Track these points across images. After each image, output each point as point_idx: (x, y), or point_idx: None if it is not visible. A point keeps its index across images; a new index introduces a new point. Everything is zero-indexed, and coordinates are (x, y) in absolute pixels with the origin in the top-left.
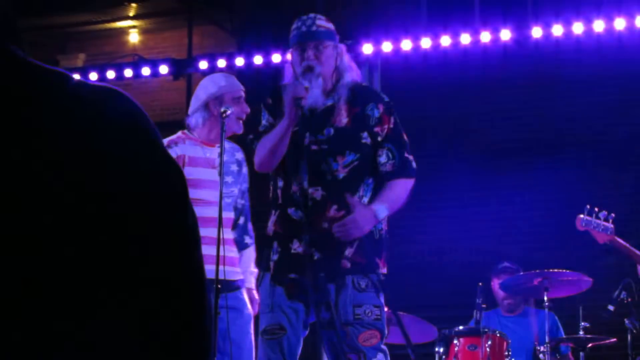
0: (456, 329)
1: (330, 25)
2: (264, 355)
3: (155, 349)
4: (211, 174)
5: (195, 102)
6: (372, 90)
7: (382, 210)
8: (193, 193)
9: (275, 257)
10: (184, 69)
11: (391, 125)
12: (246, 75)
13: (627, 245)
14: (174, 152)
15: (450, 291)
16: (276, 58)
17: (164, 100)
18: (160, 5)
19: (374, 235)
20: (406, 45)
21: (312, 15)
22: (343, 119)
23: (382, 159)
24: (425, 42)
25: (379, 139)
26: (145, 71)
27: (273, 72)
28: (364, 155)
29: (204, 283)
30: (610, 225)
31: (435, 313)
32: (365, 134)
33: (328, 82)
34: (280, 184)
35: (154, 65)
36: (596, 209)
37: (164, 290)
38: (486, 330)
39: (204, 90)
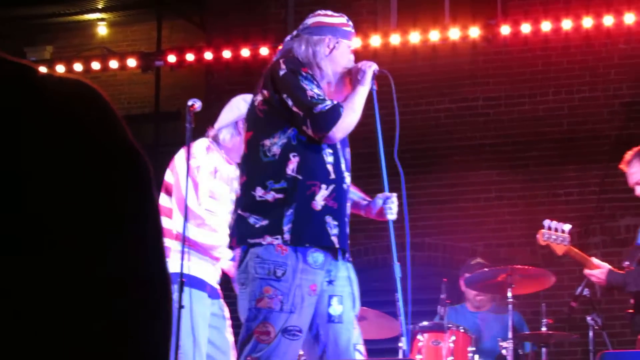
0: (420, 325)
1: None
2: None
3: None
4: (227, 190)
5: (225, 117)
6: None
7: None
8: (213, 205)
9: (335, 230)
10: (152, 63)
11: None
12: (215, 69)
13: (583, 254)
14: (209, 159)
15: (415, 287)
16: (245, 52)
17: (132, 93)
18: None
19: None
20: (375, 41)
21: None
22: None
23: None
24: (395, 39)
25: None
26: (114, 64)
27: (242, 66)
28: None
29: (164, 279)
30: (567, 236)
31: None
32: None
33: None
34: (330, 158)
35: (122, 58)
36: (554, 222)
37: (124, 282)
38: (450, 326)
39: (237, 109)
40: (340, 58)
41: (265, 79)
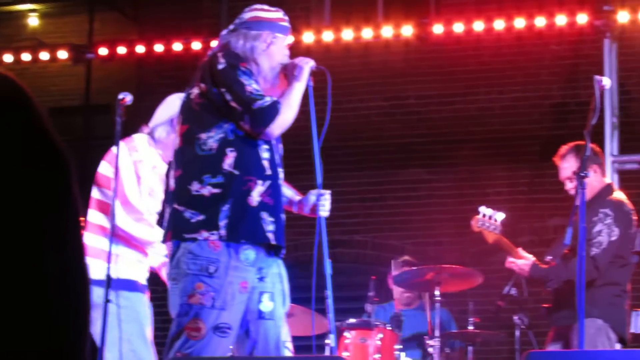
0: (347, 322)
1: None
2: None
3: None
4: (161, 188)
5: (161, 115)
6: None
7: None
8: (151, 204)
9: (272, 227)
10: (83, 55)
11: None
12: (146, 62)
13: (511, 244)
14: (150, 154)
15: (343, 284)
16: (177, 46)
17: (63, 85)
18: None
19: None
20: (308, 38)
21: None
22: None
23: None
24: (327, 36)
25: None
26: (44, 56)
27: (174, 60)
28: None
29: (81, 279)
30: (499, 225)
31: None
32: None
33: None
34: (266, 154)
35: (53, 49)
36: (489, 209)
37: (36, 281)
38: (377, 323)
39: (173, 106)
40: (276, 53)
41: (202, 72)
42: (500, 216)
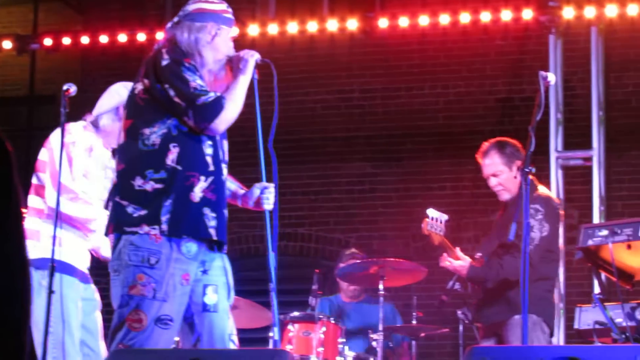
0: (291, 315)
1: None
2: None
3: None
4: (101, 174)
5: (106, 103)
6: None
7: None
8: (86, 184)
9: (214, 222)
10: (28, 45)
11: None
12: (91, 53)
13: (450, 245)
14: (85, 137)
15: (287, 277)
16: (122, 38)
17: (7, 75)
18: None
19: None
20: (253, 30)
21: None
22: None
23: None
24: (272, 28)
25: None
26: None
27: (118, 52)
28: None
29: (22, 265)
30: (443, 226)
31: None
32: None
33: None
34: (210, 150)
35: None
36: (437, 212)
37: None
38: (321, 316)
39: (118, 94)
40: (221, 45)
41: (146, 68)
42: (444, 218)
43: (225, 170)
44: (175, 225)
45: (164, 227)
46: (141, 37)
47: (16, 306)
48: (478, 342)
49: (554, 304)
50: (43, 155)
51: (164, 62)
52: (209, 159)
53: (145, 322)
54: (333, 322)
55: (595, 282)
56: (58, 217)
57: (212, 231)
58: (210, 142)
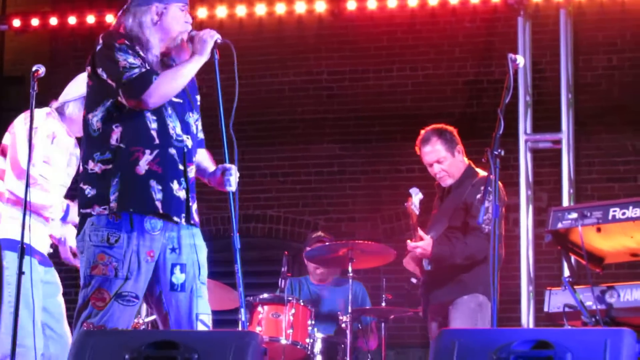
0: (260, 297)
1: None
2: None
3: None
4: (63, 160)
5: (72, 91)
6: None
7: None
8: (47, 170)
9: (159, 195)
10: None
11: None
12: (60, 35)
13: (416, 225)
14: (47, 123)
15: (257, 259)
16: (90, 19)
17: None
18: None
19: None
20: (221, 12)
21: None
22: None
23: (200, 126)
24: (241, 10)
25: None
26: None
27: (87, 33)
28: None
29: None
30: (418, 205)
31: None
32: (198, 97)
33: None
34: (154, 125)
35: None
36: (416, 190)
37: None
38: (290, 298)
39: (84, 85)
40: (171, 24)
41: (89, 56)
42: (420, 197)
43: (188, 142)
44: (122, 201)
45: (113, 204)
46: (109, 18)
47: None
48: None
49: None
50: (6, 138)
51: (98, 47)
52: (154, 133)
53: (108, 300)
54: (302, 304)
55: (565, 265)
56: (16, 201)
57: (159, 204)
58: (154, 117)
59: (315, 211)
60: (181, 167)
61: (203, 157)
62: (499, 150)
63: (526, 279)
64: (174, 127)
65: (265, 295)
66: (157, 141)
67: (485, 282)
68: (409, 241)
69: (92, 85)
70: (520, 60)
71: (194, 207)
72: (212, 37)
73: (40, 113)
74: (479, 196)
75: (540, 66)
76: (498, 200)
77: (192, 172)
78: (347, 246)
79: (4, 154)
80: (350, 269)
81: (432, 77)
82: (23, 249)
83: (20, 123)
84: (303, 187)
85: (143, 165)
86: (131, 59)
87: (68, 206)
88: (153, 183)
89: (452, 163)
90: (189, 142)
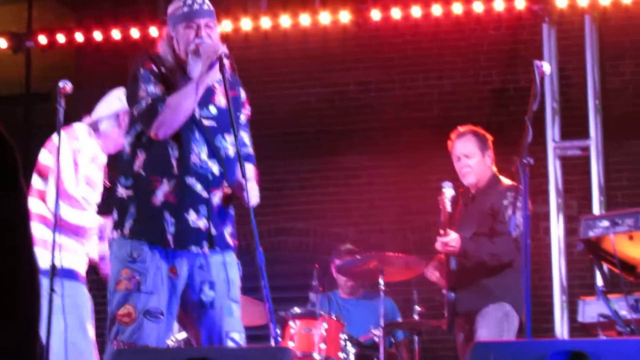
0: (292, 311)
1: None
2: None
3: None
4: (100, 178)
5: (106, 108)
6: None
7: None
8: (88, 194)
9: (172, 229)
10: (22, 43)
11: (248, 112)
12: (85, 50)
13: (447, 227)
14: (90, 144)
15: (286, 272)
16: (116, 34)
17: (2, 74)
18: None
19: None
20: (246, 24)
21: None
22: (222, 100)
23: (245, 141)
24: (265, 22)
25: (242, 122)
26: None
27: (113, 48)
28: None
29: (30, 266)
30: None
31: (271, 295)
32: (242, 116)
33: None
34: (175, 153)
35: None
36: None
37: None
38: (322, 312)
39: (118, 100)
40: (181, 44)
41: None
42: (452, 193)
43: (214, 168)
44: (135, 230)
45: (126, 231)
46: (135, 33)
47: (26, 307)
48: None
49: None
50: (45, 158)
51: (129, 76)
52: (173, 162)
53: (134, 315)
54: (335, 318)
55: (598, 274)
56: (61, 225)
57: (170, 238)
58: (176, 144)
59: (345, 223)
60: (204, 194)
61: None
62: (528, 159)
63: (559, 289)
64: (199, 152)
65: (297, 310)
66: (175, 170)
67: (513, 292)
68: (439, 237)
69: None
70: (547, 67)
71: (227, 231)
72: (216, 52)
73: (82, 132)
74: (505, 202)
75: (566, 72)
76: (524, 208)
77: (217, 198)
78: (377, 258)
79: (41, 174)
80: (381, 281)
81: (458, 85)
82: (54, 268)
83: (63, 143)
84: (332, 199)
85: (159, 196)
86: (151, 87)
87: (104, 224)
88: (167, 215)
89: (479, 162)
90: (215, 168)
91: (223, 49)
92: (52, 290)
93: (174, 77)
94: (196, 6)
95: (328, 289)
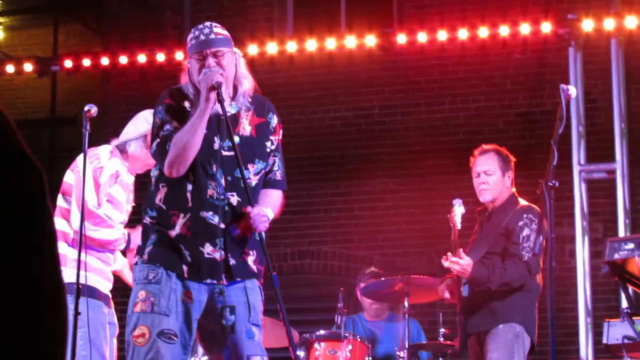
0: (317, 333)
1: (227, 33)
2: None
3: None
4: (124, 198)
5: (133, 130)
6: (268, 100)
7: (270, 214)
8: (112, 213)
9: (188, 260)
10: (48, 67)
11: (280, 137)
12: (111, 74)
13: (457, 242)
14: (112, 163)
15: (312, 295)
16: (141, 58)
17: (28, 98)
18: (26, 2)
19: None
20: (272, 48)
21: (208, 23)
22: (247, 127)
23: (274, 167)
24: (291, 46)
25: (272, 147)
26: (10, 68)
27: (138, 72)
28: (268, 163)
29: (58, 286)
30: (460, 220)
31: (297, 317)
32: (268, 143)
33: (229, 88)
34: (190, 187)
35: (18, 62)
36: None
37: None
38: (347, 335)
39: (146, 122)
40: (194, 76)
41: None
42: (462, 210)
43: (232, 199)
44: (153, 256)
45: (145, 256)
46: (160, 57)
47: (54, 325)
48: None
49: (536, 318)
50: (69, 177)
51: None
52: (188, 196)
53: (148, 336)
54: (359, 340)
55: (623, 296)
56: (83, 242)
57: (185, 269)
58: (192, 178)
59: (370, 246)
60: (221, 226)
61: (262, 200)
62: (554, 182)
63: (584, 311)
64: (216, 185)
65: (322, 332)
66: (190, 204)
67: (523, 312)
68: (449, 254)
69: None
70: (573, 90)
71: (250, 259)
72: (206, 84)
73: (104, 152)
74: (520, 223)
75: (592, 96)
76: (540, 230)
77: (236, 228)
78: (403, 281)
79: (66, 194)
80: (406, 304)
81: (484, 109)
82: (79, 289)
83: (83, 162)
84: (357, 223)
85: (177, 229)
86: (165, 125)
87: (129, 234)
88: (183, 248)
89: (497, 181)
90: (233, 199)
91: (217, 78)
92: (77, 312)
93: (195, 109)
94: (202, 37)
95: (353, 311)
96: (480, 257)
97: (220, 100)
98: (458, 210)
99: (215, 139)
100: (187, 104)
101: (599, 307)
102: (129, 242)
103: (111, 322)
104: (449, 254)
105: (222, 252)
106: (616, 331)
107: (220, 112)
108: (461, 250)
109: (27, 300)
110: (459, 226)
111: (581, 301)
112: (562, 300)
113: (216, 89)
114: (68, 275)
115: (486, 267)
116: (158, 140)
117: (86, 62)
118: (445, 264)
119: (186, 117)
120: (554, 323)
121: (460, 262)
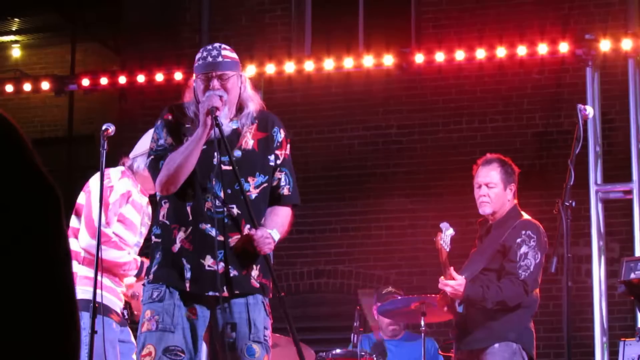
0: (333, 352)
1: (235, 55)
2: None
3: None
4: (137, 219)
5: (140, 147)
6: (273, 115)
7: (275, 235)
8: (124, 233)
9: (188, 274)
10: (66, 86)
11: (288, 151)
12: (128, 93)
13: (447, 263)
14: (122, 183)
15: (329, 314)
16: (159, 77)
17: (45, 116)
18: (43, 21)
19: (269, 259)
20: (289, 67)
21: (217, 45)
22: (249, 141)
23: (281, 182)
24: (309, 65)
25: (278, 162)
26: (27, 87)
27: (156, 91)
28: (271, 177)
29: (72, 308)
30: (449, 242)
31: (313, 336)
32: (272, 157)
33: (232, 110)
34: (190, 201)
35: (35, 81)
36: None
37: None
38: (363, 353)
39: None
40: (199, 96)
41: None
42: (452, 232)
43: (221, 215)
44: (158, 275)
45: (151, 276)
46: (178, 76)
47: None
48: None
49: (533, 333)
50: (81, 198)
51: None
52: (188, 209)
53: (154, 354)
54: (375, 359)
55: (639, 315)
56: (91, 261)
57: (187, 283)
58: (192, 192)
59: (387, 265)
60: (220, 238)
61: (268, 220)
62: (570, 202)
63: (599, 330)
64: (215, 198)
65: (338, 351)
66: (190, 218)
67: (519, 329)
68: (441, 278)
69: None
70: (590, 110)
71: (251, 273)
72: (204, 109)
73: (115, 172)
74: (518, 240)
75: (609, 116)
76: (539, 247)
77: (235, 241)
78: (419, 300)
79: (78, 214)
80: (422, 323)
81: (501, 129)
82: (95, 308)
83: (95, 182)
84: (374, 242)
85: (178, 243)
86: (161, 140)
87: (142, 262)
88: (184, 262)
89: (499, 194)
90: (233, 211)
91: (215, 103)
92: (93, 331)
93: (193, 127)
94: (210, 59)
95: (369, 330)
96: (476, 272)
97: (217, 125)
98: (446, 233)
99: (215, 153)
100: (185, 121)
101: (615, 326)
102: (140, 269)
103: (127, 341)
104: (441, 278)
105: (223, 265)
106: (632, 350)
107: (224, 129)
108: (452, 269)
109: (41, 321)
110: (447, 248)
111: (597, 320)
112: (578, 319)
113: (212, 114)
114: (79, 292)
115: (480, 286)
116: (152, 157)
117: (103, 80)
118: (440, 286)
119: (182, 134)
120: (570, 342)
121: (450, 284)
